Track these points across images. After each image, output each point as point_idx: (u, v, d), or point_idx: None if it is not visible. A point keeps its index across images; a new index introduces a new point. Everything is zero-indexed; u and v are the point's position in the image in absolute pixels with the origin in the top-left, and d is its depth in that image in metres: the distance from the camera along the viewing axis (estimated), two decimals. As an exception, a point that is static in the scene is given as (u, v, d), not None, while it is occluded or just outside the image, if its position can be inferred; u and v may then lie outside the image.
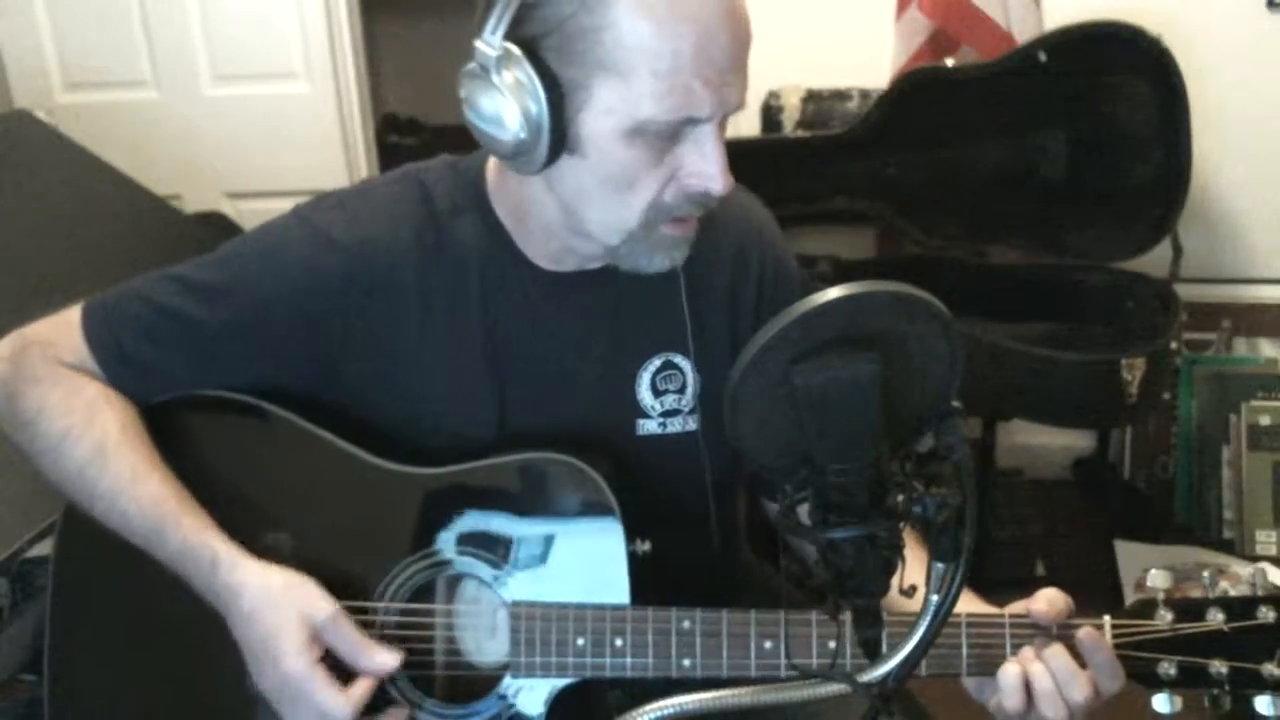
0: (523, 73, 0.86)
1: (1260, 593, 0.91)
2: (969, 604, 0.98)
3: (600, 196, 0.92)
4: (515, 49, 0.85)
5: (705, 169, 0.90)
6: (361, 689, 0.94)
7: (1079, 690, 0.89)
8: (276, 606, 0.94)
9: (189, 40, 2.89)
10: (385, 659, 0.95)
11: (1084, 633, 0.91)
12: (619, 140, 0.88)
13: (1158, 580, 0.93)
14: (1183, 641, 0.91)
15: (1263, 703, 0.89)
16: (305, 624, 0.93)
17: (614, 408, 1.07)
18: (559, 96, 0.86)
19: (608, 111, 0.87)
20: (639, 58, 0.84)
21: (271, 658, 0.93)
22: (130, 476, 0.98)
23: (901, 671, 0.70)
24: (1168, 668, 0.91)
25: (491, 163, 1.04)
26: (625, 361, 1.07)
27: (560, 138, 0.88)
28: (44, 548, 1.44)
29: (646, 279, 1.03)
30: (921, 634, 0.68)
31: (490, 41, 0.85)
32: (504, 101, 0.86)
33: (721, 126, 0.91)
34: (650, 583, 0.99)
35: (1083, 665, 0.90)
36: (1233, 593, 0.91)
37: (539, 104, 0.86)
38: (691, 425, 1.08)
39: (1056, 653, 0.90)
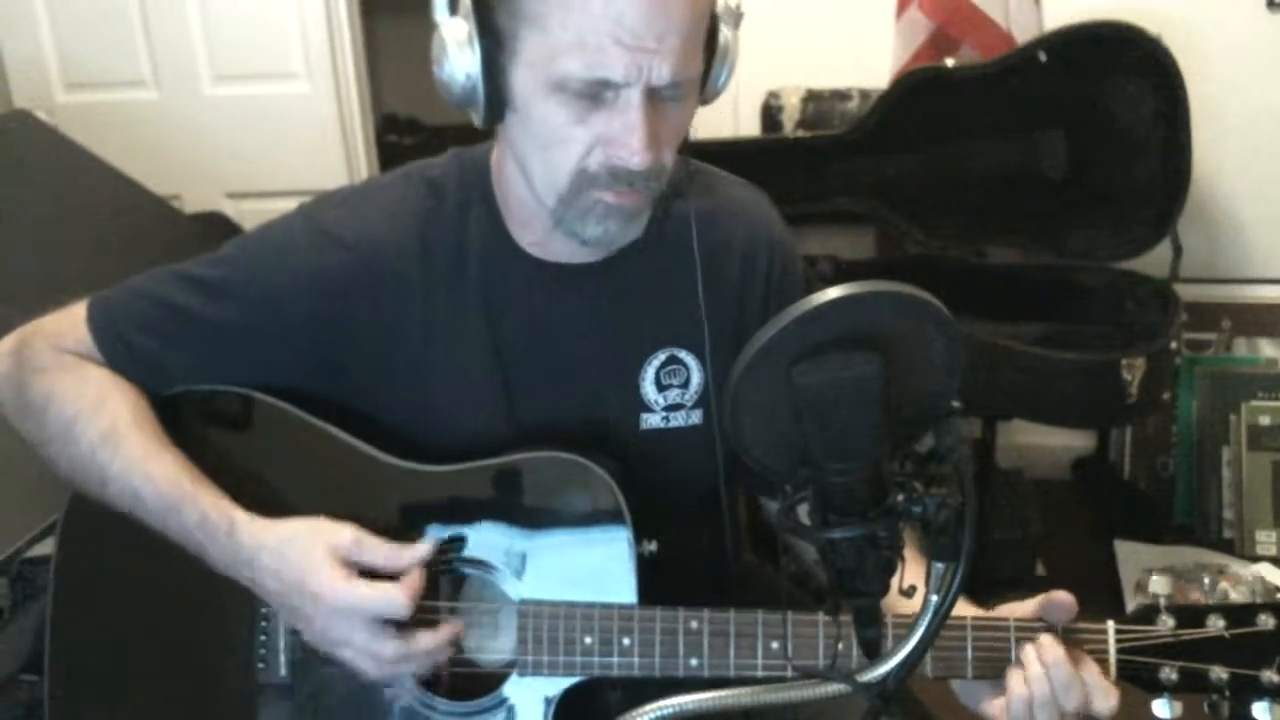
0: (469, 23, 0.89)
1: (1260, 599, 0.91)
2: (960, 608, 0.98)
3: (534, 154, 0.94)
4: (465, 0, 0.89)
5: (625, 139, 0.89)
6: (412, 579, 0.94)
7: (1073, 699, 0.89)
8: (301, 548, 0.94)
9: (189, 40, 2.90)
10: (419, 549, 0.96)
11: (1043, 638, 0.92)
12: (541, 96, 0.89)
13: (1160, 586, 0.93)
14: (1184, 647, 0.91)
15: (1260, 708, 0.89)
16: (333, 552, 0.94)
17: (618, 402, 1.07)
18: (495, 47, 0.89)
19: (530, 65, 0.89)
20: (555, 10, 0.85)
21: (311, 594, 0.93)
22: (143, 456, 0.98)
23: (901, 671, 0.70)
24: (1169, 673, 0.91)
25: (496, 149, 1.05)
26: (629, 356, 1.07)
27: (496, 90, 0.91)
28: (44, 548, 1.43)
29: (652, 273, 1.05)
30: (921, 634, 0.68)
31: None
32: (451, 50, 0.90)
33: (656, 100, 0.89)
34: (653, 579, 0.99)
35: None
36: (1234, 598, 0.92)
37: (476, 55, 0.89)
38: (695, 419, 1.09)
39: (1060, 659, 0.90)
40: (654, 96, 0.88)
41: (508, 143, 0.97)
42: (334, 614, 0.93)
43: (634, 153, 0.89)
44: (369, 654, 0.93)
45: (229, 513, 0.96)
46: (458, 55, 0.90)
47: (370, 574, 0.94)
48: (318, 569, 0.93)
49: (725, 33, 0.95)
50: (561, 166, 0.92)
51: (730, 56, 0.96)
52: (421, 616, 0.95)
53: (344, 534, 0.95)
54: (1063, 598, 0.94)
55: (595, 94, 0.88)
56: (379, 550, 0.95)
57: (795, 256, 1.15)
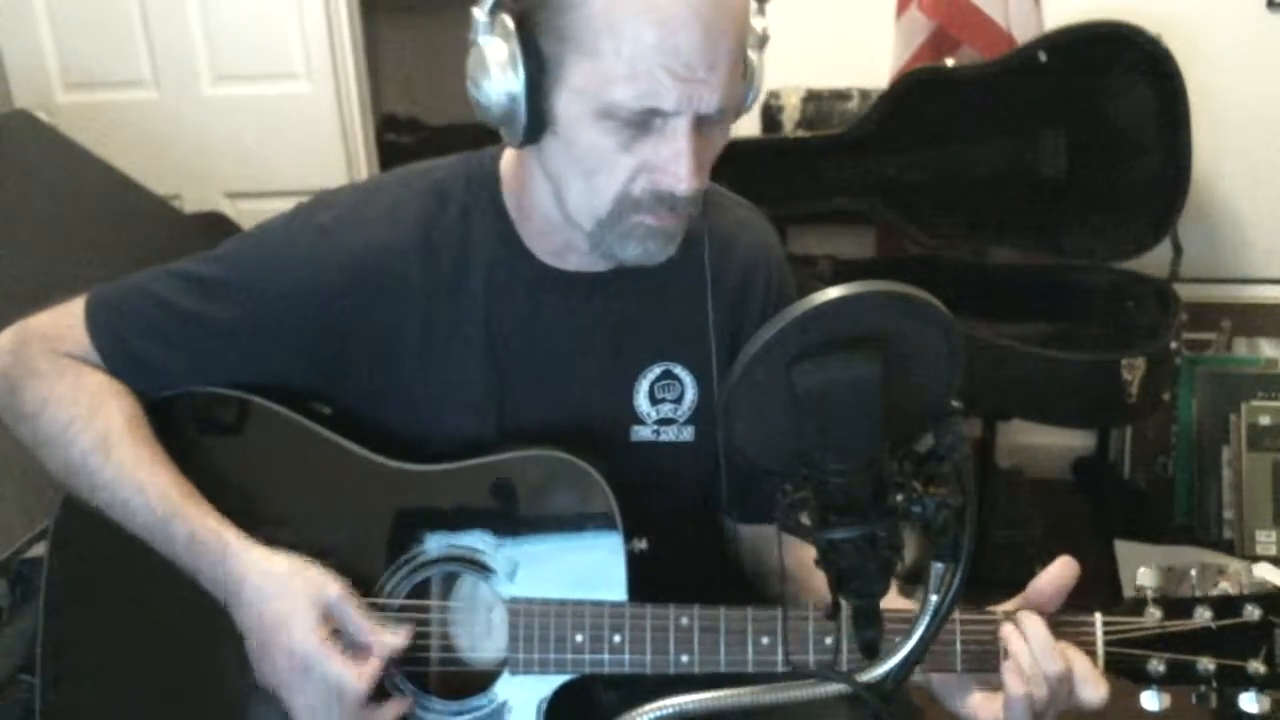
0: (511, 44, 0.89)
1: (1246, 591, 0.92)
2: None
3: (575, 178, 0.93)
4: (508, 20, 0.89)
5: (672, 167, 0.89)
6: (373, 666, 0.93)
7: (1053, 663, 0.89)
8: (284, 590, 0.94)
9: (189, 40, 2.89)
10: (393, 638, 0.95)
11: (1019, 614, 0.92)
12: (588, 122, 0.89)
13: (1147, 579, 0.94)
14: (1171, 639, 0.92)
15: (1247, 699, 0.91)
16: (315, 604, 0.94)
17: (610, 412, 1.07)
18: (539, 71, 0.89)
19: (578, 91, 0.88)
20: (606, 39, 0.85)
21: (281, 639, 0.93)
22: (134, 467, 0.98)
23: (900, 672, 0.70)
24: (1156, 664, 0.92)
25: (506, 156, 1.05)
26: (625, 367, 1.07)
27: (538, 112, 0.90)
28: (44, 548, 1.43)
29: (655, 287, 1.04)
30: (921, 634, 0.68)
31: (483, 9, 0.89)
32: (492, 70, 0.90)
33: (702, 127, 0.89)
34: (643, 582, 0.99)
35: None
36: (1219, 591, 0.92)
37: (519, 76, 0.89)
38: (686, 436, 1.09)
39: (1038, 625, 0.91)
40: (699, 124, 0.89)
41: (540, 163, 0.96)
42: (296, 665, 0.93)
43: (681, 180, 0.89)
44: (319, 716, 0.93)
45: (221, 534, 0.96)
46: (500, 76, 0.89)
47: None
48: (298, 615, 0.93)
49: (752, 56, 0.96)
50: (605, 191, 0.92)
51: (758, 80, 0.97)
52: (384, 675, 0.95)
53: (332, 588, 0.95)
54: (1043, 584, 0.95)
55: (643, 121, 0.88)
56: (357, 619, 0.95)
57: (790, 278, 1.16)
